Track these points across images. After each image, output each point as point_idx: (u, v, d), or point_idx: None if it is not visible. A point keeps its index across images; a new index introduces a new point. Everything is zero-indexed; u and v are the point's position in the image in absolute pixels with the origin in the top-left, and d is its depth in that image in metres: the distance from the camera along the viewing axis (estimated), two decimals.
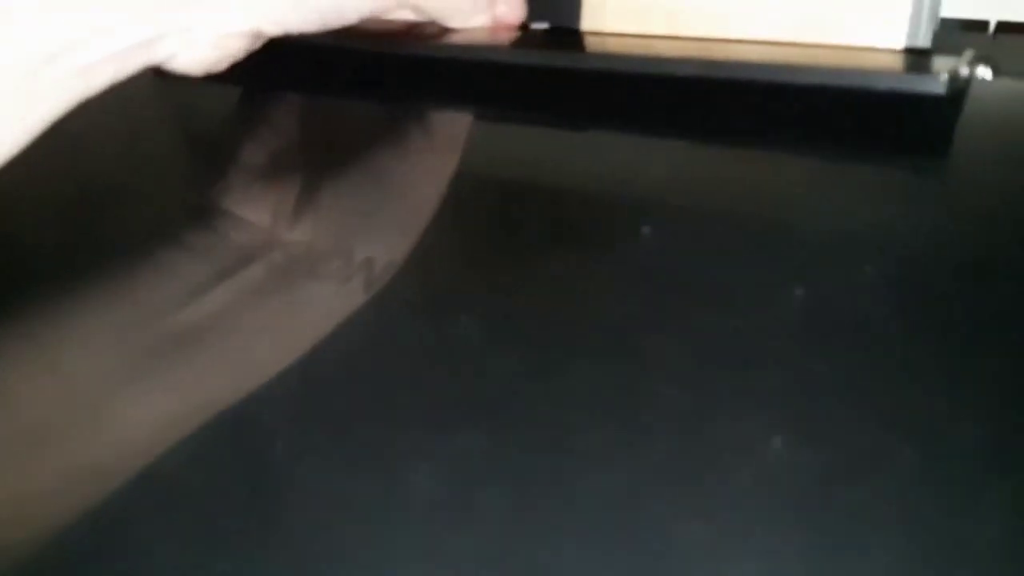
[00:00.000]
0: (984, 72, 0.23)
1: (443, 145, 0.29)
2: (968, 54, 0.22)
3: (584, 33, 0.29)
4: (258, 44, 0.26)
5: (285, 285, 0.22)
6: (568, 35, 0.29)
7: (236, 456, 0.17)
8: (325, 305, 0.21)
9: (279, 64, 0.27)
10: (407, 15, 0.30)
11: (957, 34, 0.26)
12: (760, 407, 0.16)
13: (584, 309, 0.19)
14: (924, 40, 0.24)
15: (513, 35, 0.29)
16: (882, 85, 0.22)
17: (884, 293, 0.18)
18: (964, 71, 0.22)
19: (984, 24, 0.26)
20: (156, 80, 0.26)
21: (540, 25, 0.30)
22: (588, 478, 0.15)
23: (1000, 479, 0.14)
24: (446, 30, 0.29)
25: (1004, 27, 0.26)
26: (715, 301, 0.18)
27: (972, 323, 0.17)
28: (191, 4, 0.24)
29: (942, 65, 0.21)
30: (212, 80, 0.26)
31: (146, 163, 0.30)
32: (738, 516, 0.14)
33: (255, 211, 0.26)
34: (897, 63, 0.23)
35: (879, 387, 0.16)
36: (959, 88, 0.22)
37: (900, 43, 0.24)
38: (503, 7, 0.30)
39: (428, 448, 0.16)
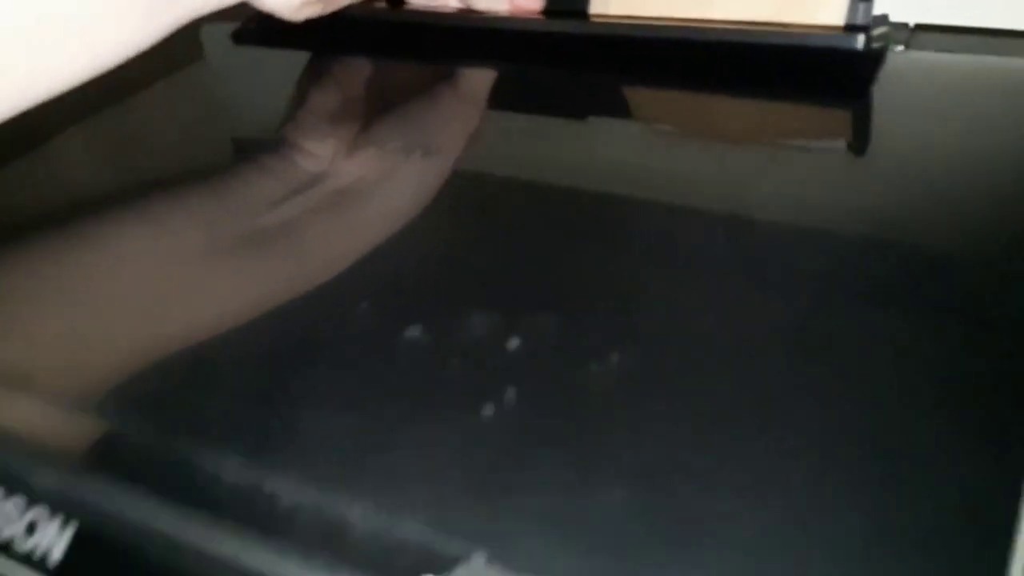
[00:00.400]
0: (896, 44, 0.30)
1: (469, 97, 0.36)
2: (882, 29, 0.30)
3: (590, 14, 0.36)
4: (334, 4, 0.32)
5: (338, 202, 0.28)
6: (577, 15, 0.36)
7: (300, 326, 0.22)
8: (367, 217, 0.27)
9: (341, 32, 0.34)
10: None
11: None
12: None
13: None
14: (862, 20, 0.31)
15: (533, 15, 0.36)
16: (819, 43, 0.29)
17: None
18: (878, 41, 0.29)
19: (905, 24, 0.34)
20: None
21: None
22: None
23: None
24: (475, 10, 0.36)
25: (921, 27, 0.34)
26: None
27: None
28: None
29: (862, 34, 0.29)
30: (289, 45, 0.32)
31: (237, 109, 0.37)
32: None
33: (319, 146, 0.32)
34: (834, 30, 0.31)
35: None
36: (875, 50, 0.29)
37: (841, 21, 0.31)
38: None
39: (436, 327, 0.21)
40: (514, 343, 0.20)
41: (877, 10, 0.33)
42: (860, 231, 0.23)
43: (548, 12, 0.36)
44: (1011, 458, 0.16)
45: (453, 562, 0.14)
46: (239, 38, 0.38)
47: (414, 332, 0.20)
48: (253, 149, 0.32)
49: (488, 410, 0.18)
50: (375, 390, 0.19)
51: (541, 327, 0.20)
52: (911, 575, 0.14)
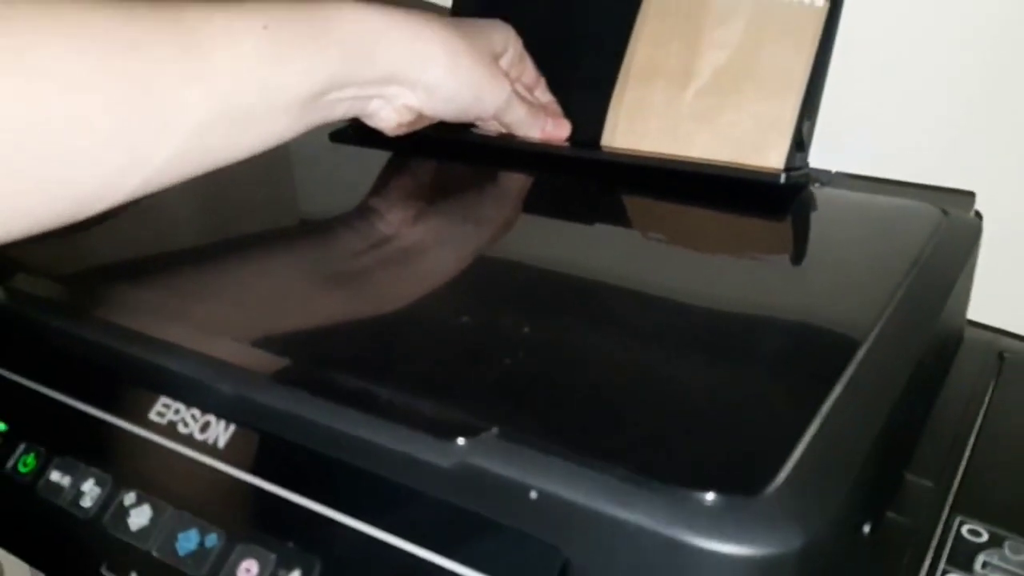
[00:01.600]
0: (816, 183, 0.42)
1: (502, 198, 0.47)
2: (805, 169, 0.41)
3: (601, 145, 0.48)
4: (419, 125, 0.43)
5: (403, 252, 0.40)
6: (591, 145, 0.48)
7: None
8: (419, 263, 0.38)
9: (416, 143, 0.46)
10: (495, 125, 0.47)
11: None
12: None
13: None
14: (797, 164, 0.43)
15: (559, 141, 0.48)
16: (756, 177, 0.41)
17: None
18: (798, 179, 0.41)
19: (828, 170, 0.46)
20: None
21: None
22: None
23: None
24: (513, 136, 0.48)
25: (840, 173, 0.45)
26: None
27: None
28: (393, 88, 0.39)
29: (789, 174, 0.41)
30: (374, 146, 0.44)
31: (338, 194, 0.49)
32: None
33: (390, 219, 0.44)
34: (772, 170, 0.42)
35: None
36: (795, 185, 0.40)
37: (782, 164, 0.43)
38: (551, 127, 0.47)
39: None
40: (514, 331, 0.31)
41: (815, 161, 0.45)
42: (753, 302, 0.34)
43: (570, 140, 0.48)
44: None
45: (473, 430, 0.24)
46: (335, 137, 0.50)
47: (441, 332, 0.32)
48: (350, 220, 0.44)
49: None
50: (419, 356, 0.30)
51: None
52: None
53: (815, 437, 0.24)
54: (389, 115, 0.41)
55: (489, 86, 0.42)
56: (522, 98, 0.45)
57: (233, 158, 0.35)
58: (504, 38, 0.44)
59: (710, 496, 0.22)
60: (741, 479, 0.23)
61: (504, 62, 0.45)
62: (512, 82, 0.44)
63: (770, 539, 0.21)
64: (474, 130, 0.48)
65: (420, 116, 0.42)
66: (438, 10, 0.52)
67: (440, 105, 0.41)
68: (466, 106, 0.42)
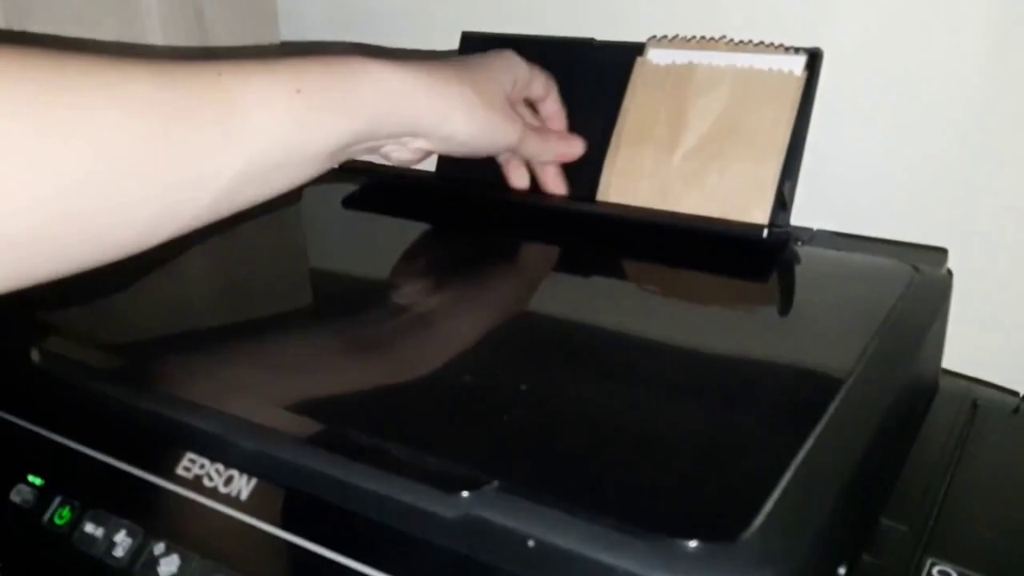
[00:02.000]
0: (799, 240, 0.45)
1: (493, 261, 0.50)
2: (787, 228, 0.44)
3: (597, 199, 0.51)
4: (430, 155, 0.46)
5: (409, 318, 0.42)
6: (585, 200, 0.51)
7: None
8: (422, 328, 0.41)
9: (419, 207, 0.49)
10: (512, 157, 0.50)
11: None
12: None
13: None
14: (779, 222, 0.46)
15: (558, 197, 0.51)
16: (742, 232, 0.43)
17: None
18: (782, 235, 0.44)
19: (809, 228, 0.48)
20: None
21: None
22: None
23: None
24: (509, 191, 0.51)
25: (821, 231, 0.48)
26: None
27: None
28: (408, 134, 0.42)
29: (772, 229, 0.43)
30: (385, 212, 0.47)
31: (348, 260, 0.52)
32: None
33: (407, 289, 0.47)
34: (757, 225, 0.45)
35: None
36: (777, 241, 0.43)
37: (766, 220, 0.45)
38: (563, 147, 0.50)
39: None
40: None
41: (799, 219, 0.47)
42: (733, 357, 0.37)
43: (570, 196, 0.51)
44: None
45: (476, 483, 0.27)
46: (347, 203, 0.53)
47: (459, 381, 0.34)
48: (356, 283, 0.47)
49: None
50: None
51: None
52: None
53: (789, 485, 0.27)
54: (404, 156, 0.44)
55: (502, 130, 0.45)
56: (533, 129, 0.48)
57: (258, 201, 0.38)
58: (511, 71, 0.47)
59: (691, 543, 0.24)
60: (719, 526, 0.25)
61: (515, 92, 0.47)
62: (522, 118, 0.47)
63: None
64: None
65: (432, 152, 0.45)
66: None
67: (454, 148, 0.44)
68: (479, 149, 0.45)
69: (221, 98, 0.34)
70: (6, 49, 0.30)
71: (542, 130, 0.50)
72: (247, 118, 0.35)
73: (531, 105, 0.50)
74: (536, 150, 0.49)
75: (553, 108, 0.51)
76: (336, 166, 0.41)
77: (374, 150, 0.43)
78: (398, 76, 0.40)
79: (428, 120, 0.42)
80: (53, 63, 0.31)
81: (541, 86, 0.49)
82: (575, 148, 0.50)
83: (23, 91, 0.30)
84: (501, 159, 0.51)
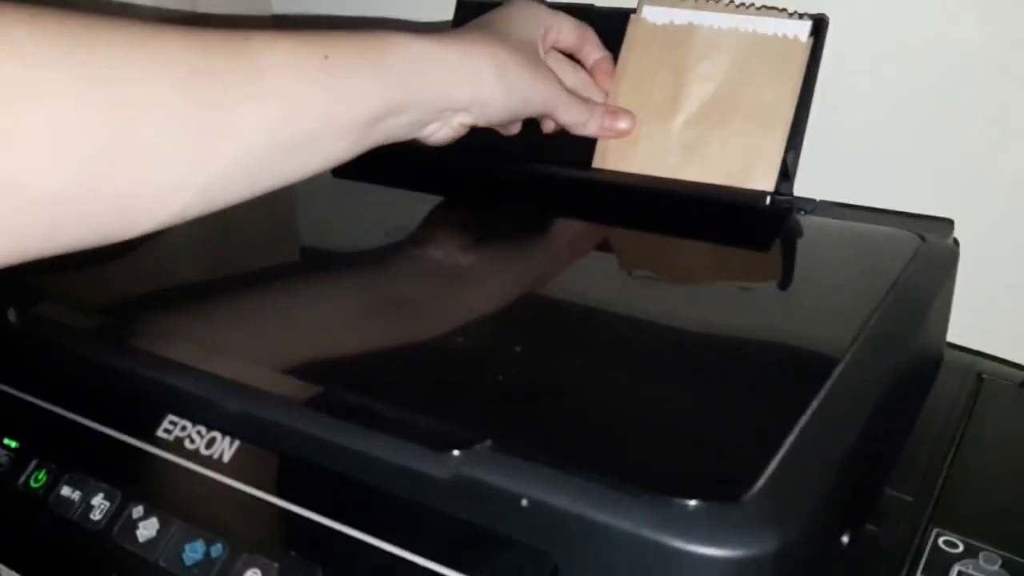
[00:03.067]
0: (799, 212, 0.43)
1: (491, 226, 0.49)
2: (790, 198, 0.43)
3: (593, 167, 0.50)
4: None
5: (400, 279, 0.41)
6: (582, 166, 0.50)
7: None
8: (416, 289, 0.40)
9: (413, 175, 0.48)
10: (549, 123, 0.48)
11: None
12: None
13: None
14: (783, 191, 0.45)
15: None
16: (743, 200, 0.42)
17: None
18: (784, 204, 0.42)
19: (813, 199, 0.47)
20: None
21: None
22: None
23: None
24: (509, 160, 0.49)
25: (824, 201, 0.47)
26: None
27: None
28: (446, 107, 0.40)
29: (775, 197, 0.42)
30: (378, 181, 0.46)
31: (339, 226, 0.51)
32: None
33: (397, 254, 0.45)
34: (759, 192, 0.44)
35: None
36: (780, 210, 0.42)
37: (771, 188, 0.44)
38: (608, 121, 0.47)
39: None
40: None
41: (802, 190, 0.46)
42: (736, 323, 0.36)
43: (561, 163, 0.49)
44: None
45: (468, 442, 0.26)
46: (338, 172, 0.52)
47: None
48: (347, 245, 0.45)
49: None
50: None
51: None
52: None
53: (791, 449, 0.26)
54: (446, 134, 0.42)
55: (534, 87, 0.43)
56: (577, 98, 0.46)
57: (295, 177, 0.36)
58: (537, 20, 0.45)
59: (691, 502, 0.23)
60: (720, 487, 0.24)
61: (546, 42, 0.46)
62: (560, 79, 0.45)
63: (746, 542, 0.22)
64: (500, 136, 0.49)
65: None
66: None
67: (494, 115, 0.43)
68: (516, 111, 0.44)
69: (247, 62, 0.33)
70: (43, 10, 0.30)
71: (586, 102, 0.47)
72: (272, 81, 0.34)
73: (576, 60, 0.48)
74: (576, 118, 0.46)
75: (596, 55, 0.49)
76: (379, 144, 0.39)
77: (416, 127, 0.41)
78: (425, 43, 0.39)
79: (462, 85, 0.40)
80: (85, 23, 0.30)
81: (572, 33, 0.48)
82: (622, 123, 0.48)
83: (59, 44, 0.29)
84: (544, 128, 0.49)
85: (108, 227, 0.32)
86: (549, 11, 0.46)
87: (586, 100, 0.47)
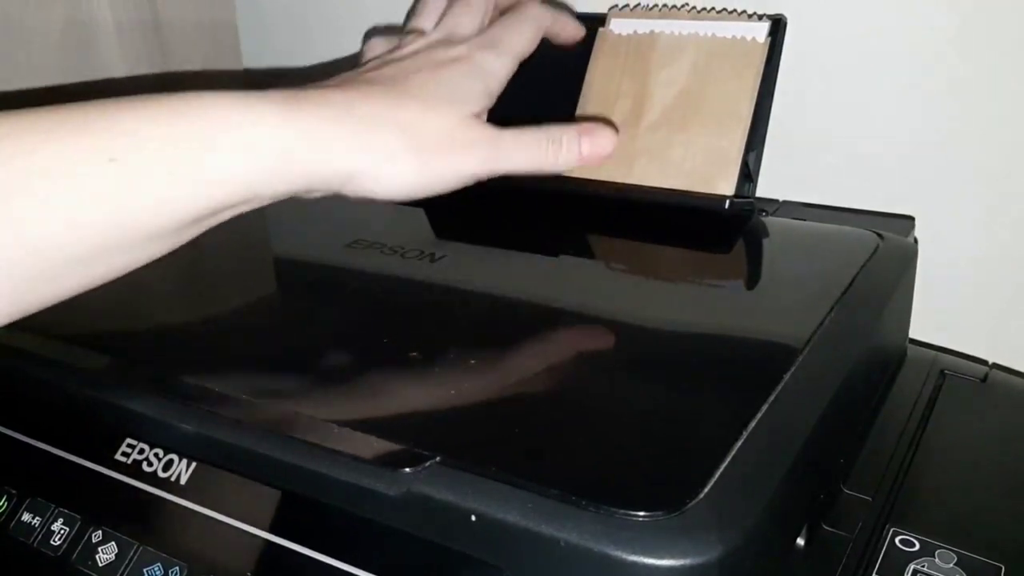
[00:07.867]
0: (761, 212, 0.44)
1: (446, 232, 0.49)
2: (752, 198, 0.43)
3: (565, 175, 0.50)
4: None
5: (366, 296, 0.41)
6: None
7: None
8: (362, 303, 0.39)
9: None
10: None
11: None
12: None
13: None
14: (746, 193, 0.45)
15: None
16: (704, 204, 0.42)
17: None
18: (745, 205, 0.43)
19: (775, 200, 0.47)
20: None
21: None
22: None
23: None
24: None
25: (786, 202, 0.47)
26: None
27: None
28: (323, 189, 0.34)
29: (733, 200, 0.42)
30: None
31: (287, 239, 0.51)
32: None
33: (349, 268, 0.45)
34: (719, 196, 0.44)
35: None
36: (741, 212, 0.42)
37: (731, 192, 0.44)
38: (588, 147, 0.42)
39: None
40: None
41: (766, 191, 0.47)
42: (688, 327, 0.36)
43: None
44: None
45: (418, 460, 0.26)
46: None
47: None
48: (290, 260, 0.45)
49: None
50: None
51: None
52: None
53: (738, 454, 0.26)
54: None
55: (452, 170, 0.36)
56: (512, 137, 0.39)
57: (119, 274, 0.32)
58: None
59: (637, 514, 0.23)
60: (665, 496, 0.24)
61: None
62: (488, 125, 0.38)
63: (690, 551, 0.23)
64: None
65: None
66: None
67: (402, 198, 0.35)
68: (443, 189, 0.37)
69: (26, 164, 0.27)
70: None
71: (537, 140, 0.40)
72: (46, 191, 0.28)
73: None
74: (531, 162, 0.39)
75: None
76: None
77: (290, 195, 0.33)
78: (277, 124, 0.31)
79: (336, 178, 0.33)
80: None
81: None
82: (604, 141, 0.43)
83: None
84: None
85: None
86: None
87: (542, 138, 0.40)
